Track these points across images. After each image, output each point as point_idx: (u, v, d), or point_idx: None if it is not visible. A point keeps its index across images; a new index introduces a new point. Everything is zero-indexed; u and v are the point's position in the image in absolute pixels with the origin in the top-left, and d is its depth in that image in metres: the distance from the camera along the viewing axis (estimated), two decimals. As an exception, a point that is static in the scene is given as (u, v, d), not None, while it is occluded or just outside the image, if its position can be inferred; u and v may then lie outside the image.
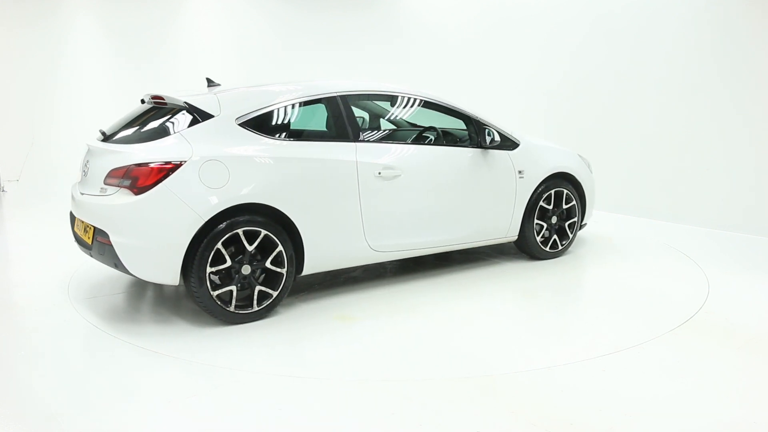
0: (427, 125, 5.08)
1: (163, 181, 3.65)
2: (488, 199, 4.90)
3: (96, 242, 3.84)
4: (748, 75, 6.16)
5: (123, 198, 3.70)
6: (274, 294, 3.97)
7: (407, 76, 9.18)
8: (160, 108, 4.20)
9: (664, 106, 6.88)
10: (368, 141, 4.43)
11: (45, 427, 2.74)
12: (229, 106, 4.00)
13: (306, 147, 4.12)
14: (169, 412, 2.85)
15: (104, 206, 3.78)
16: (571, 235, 5.38)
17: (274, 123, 4.12)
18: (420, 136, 4.97)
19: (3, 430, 2.71)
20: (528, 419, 2.75)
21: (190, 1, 10.15)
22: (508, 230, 5.07)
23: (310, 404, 2.92)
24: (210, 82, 4.51)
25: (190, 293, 3.82)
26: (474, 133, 4.86)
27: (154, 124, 4.05)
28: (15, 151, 9.08)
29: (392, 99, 4.87)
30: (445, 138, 4.89)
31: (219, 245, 3.74)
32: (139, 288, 4.63)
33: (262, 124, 4.04)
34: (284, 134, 4.14)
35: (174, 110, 4.05)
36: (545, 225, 5.23)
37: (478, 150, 4.84)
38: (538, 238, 5.20)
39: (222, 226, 3.74)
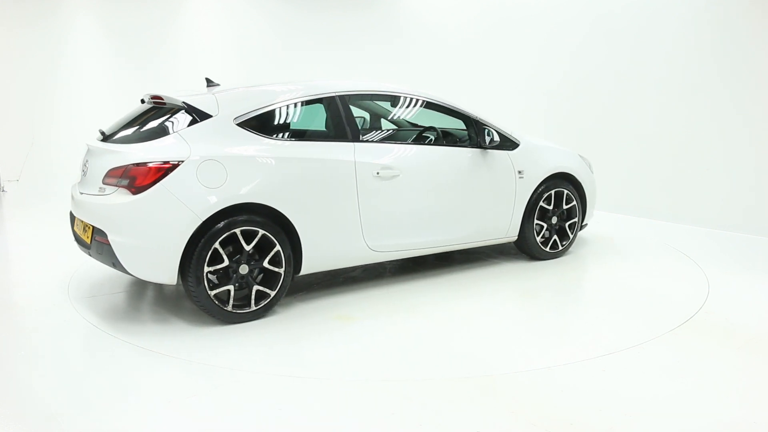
0: (426, 125, 5.08)
1: (161, 181, 3.66)
2: (487, 200, 4.89)
3: (94, 241, 3.84)
4: (748, 75, 6.16)
5: (121, 197, 3.70)
6: (272, 294, 3.97)
7: (407, 76, 9.18)
8: (159, 108, 4.20)
9: (664, 106, 6.88)
10: (367, 141, 4.42)
11: (45, 427, 2.74)
12: (228, 106, 4.00)
13: (304, 147, 4.13)
14: (169, 412, 2.85)
15: (102, 206, 3.79)
16: (571, 236, 5.38)
17: (272, 123, 4.12)
18: (420, 136, 4.97)
19: (3, 430, 2.71)
20: (528, 419, 2.75)
21: (190, 1, 10.15)
22: (508, 230, 5.06)
23: (310, 404, 2.92)
24: (209, 82, 4.51)
25: (188, 292, 3.83)
26: (473, 134, 4.86)
27: (152, 124, 4.05)
28: (15, 151, 9.09)
29: (391, 99, 4.87)
30: (445, 138, 4.88)
31: (216, 245, 3.75)
32: (139, 287, 4.63)
33: (260, 124, 4.04)
34: (283, 134, 4.14)
35: (172, 110, 4.05)
36: (545, 225, 5.22)
37: (478, 150, 4.84)
38: (539, 239, 5.19)
39: (219, 225, 3.75)
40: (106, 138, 4.16)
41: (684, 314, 4.02)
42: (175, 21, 10.04)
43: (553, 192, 5.20)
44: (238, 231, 3.80)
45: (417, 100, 4.81)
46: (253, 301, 3.91)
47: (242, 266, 3.85)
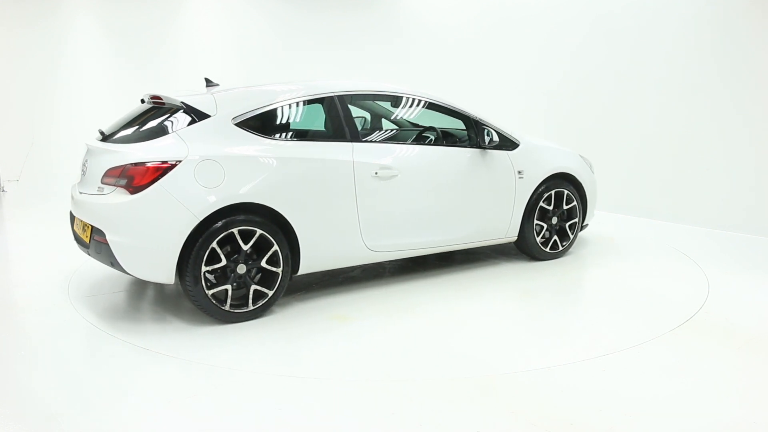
0: (426, 125, 5.08)
1: (159, 181, 3.66)
2: (487, 200, 4.89)
3: (93, 241, 3.85)
4: (748, 75, 6.16)
5: (119, 197, 3.71)
6: (270, 293, 3.97)
7: (407, 76, 9.18)
8: (158, 108, 4.20)
9: (664, 106, 6.88)
10: (365, 141, 4.42)
11: (45, 427, 2.73)
12: (226, 106, 4.00)
13: (303, 147, 4.12)
14: (168, 412, 2.85)
15: (101, 205, 3.79)
16: (571, 236, 5.37)
17: (270, 123, 4.12)
18: (419, 136, 4.96)
19: (3, 430, 2.71)
20: (528, 419, 2.75)
21: (190, 1, 10.15)
22: (508, 231, 5.06)
23: (309, 404, 2.92)
24: (208, 82, 4.51)
25: (186, 292, 3.83)
26: (473, 134, 4.85)
27: (151, 124, 4.05)
28: (15, 151, 9.08)
29: (390, 99, 4.87)
30: (444, 138, 4.88)
31: (214, 244, 3.75)
32: (139, 287, 4.63)
33: (258, 124, 4.05)
34: (281, 134, 4.14)
35: (171, 110, 4.06)
36: (545, 226, 5.22)
37: (477, 150, 4.84)
38: (539, 239, 5.19)
39: (217, 225, 3.75)
40: (105, 138, 4.16)
41: (684, 314, 4.02)
42: (175, 21, 10.03)
43: (553, 192, 5.19)
44: (235, 231, 3.81)
45: (417, 100, 4.81)
46: (250, 301, 3.91)
47: (240, 266, 3.85)
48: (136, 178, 3.68)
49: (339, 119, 4.32)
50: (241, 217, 3.82)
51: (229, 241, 3.83)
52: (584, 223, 5.55)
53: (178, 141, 3.80)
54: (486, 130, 4.83)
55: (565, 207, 5.28)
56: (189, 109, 3.96)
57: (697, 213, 6.58)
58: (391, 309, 4.17)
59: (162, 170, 3.68)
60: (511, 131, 5.09)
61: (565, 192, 5.26)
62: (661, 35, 6.81)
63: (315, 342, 3.66)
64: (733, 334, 3.73)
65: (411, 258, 5.20)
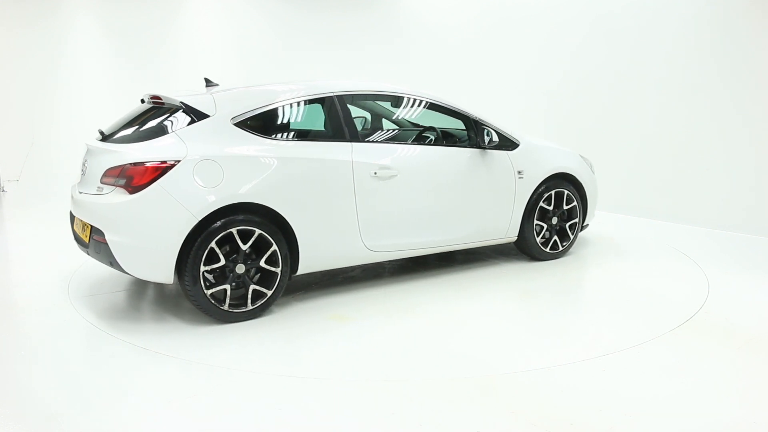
0: (426, 125, 5.08)
1: (158, 180, 3.66)
2: (486, 200, 4.89)
3: (92, 241, 3.85)
4: (748, 75, 6.16)
5: (118, 197, 3.71)
6: (269, 293, 3.96)
7: (407, 76, 9.18)
8: (157, 108, 4.20)
9: (664, 106, 6.88)
10: (365, 141, 4.42)
11: (45, 427, 2.73)
12: (225, 105, 4.00)
13: (302, 147, 4.12)
14: (168, 411, 2.85)
15: (100, 205, 3.80)
16: (571, 236, 5.37)
17: (269, 123, 4.12)
18: (419, 136, 4.96)
19: (3, 430, 2.70)
20: (528, 419, 2.75)
21: (190, 1, 10.15)
22: (507, 231, 5.06)
23: (309, 404, 2.92)
24: (208, 82, 4.51)
25: (185, 292, 3.83)
26: (473, 134, 4.85)
27: (150, 124, 4.05)
28: (15, 151, 9.08)
29: (390, 99, 4.87)
30: (444, 138, 4.88)
31: (213, 244, 3.75)
32: (138, 286, 4.63)
33: (257, 124, 4.05)
34: (280, 134, 4.14)
35: (171, 110, 4.06)
36: (545, 226, 5.22)
37: (477, 150, 4.83)
38: (539, 239, 5.19)
39: (216, 225, 3.75)
40: (105, 138, 4.16)
41: (684, 314, 4.02)
42: (175, 21, 10.03)
43: (553, 192, 5.19)
44: (234, 230, 3.80)
45: (416, 100, 4.80)
46: (249, 301, 3.91)
47: (239, 266, 3.85)
48: (135, 178, 3.68)
49: (338, 119, 4.32)
50: (240, 217, 3.82)
51: (228, 241, 3.83)
52: (584, 224, 5.54)
53: (178, 141, 3.80)
54: (486, 130, 4.83)
55: (565, 207, 5.28)
56: (188, 109, 3.96)
57: (697, 213, 6.58)
58: (391, 309, 4.17)
59: (161, 170, 3.68)
60: (511, 131, 5.09)
61: (566, 192, 5.26)
62: (661, 35, 6.81)
63: (314, 342, 3.66)
64: (733, 334, 3.73)
65: (411, 258, 5.20)
